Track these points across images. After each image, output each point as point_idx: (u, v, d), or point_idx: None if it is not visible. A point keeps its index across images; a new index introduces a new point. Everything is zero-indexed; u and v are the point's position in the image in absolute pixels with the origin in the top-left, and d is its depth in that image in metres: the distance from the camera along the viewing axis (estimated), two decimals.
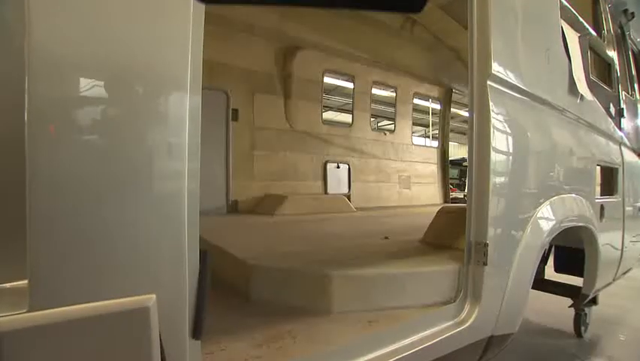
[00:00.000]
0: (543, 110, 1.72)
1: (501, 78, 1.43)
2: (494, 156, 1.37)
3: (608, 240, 2.32)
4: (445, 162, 6.20)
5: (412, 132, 6.06)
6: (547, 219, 1.65)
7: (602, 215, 2.27)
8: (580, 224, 1.91)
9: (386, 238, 2.14)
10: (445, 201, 6.12)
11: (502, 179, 1.43)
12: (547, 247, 2.26)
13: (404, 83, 5.68)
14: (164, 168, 0.69)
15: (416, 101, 6.03)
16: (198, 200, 0.74)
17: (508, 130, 1.48)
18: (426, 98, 6.41)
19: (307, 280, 1.38)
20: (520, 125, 1.58)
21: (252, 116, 4.34)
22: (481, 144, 1.38)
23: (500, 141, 1.42)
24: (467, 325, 1.33)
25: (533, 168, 1.62)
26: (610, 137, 2.50)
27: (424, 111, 8.76)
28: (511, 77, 1.48)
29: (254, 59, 4.33)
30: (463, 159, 16.46)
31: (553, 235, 1.66)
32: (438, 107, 6.49)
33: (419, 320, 1.27)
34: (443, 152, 6.24)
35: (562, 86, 1.86)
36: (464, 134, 22.60)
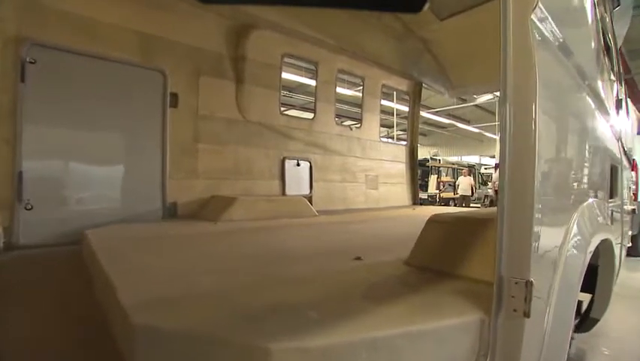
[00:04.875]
0: (581, 83, 1.24)
1: (548, 19, 0.91)
2: (540, 146, 0.85)
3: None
4: (414, 161, 5.82)
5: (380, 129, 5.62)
6: (583, 231, 1.17)
7: (611, 221, 1.90)
8: (607, 235, 1.48)
9: (358, 258, 1.57)
10: (414, 203, 5.73)
11: (549, 181, 0.92)
12: None
13: (372, 73, 5.21)
14: None
15: (384, 101, 5.61)
16: None
17: (557, 105, 0.96)
18: (394, 91, 6.01)
19: (230, 356, 0.77)
20: (569, 100, 1.07)
21: (197, 102, 3.63)
22: (520, 124, 0.85)
23: (548, 122, 0.90)
24: None
25: (577, 164, 1.13)
26: (614, 129, 2.14)
27: (389, 112, 8.45)
28: (559, 24, 0.96)
29: (200, 34, 3.61)
30: (426, 160, 16.69)
31: (592, 252, 1.20)
32: (402, 107, 6.12)
33: None
34: (412, 149, 5.85)
35: (592, 56, 1.41)
36: (425, 135, 23.07)
